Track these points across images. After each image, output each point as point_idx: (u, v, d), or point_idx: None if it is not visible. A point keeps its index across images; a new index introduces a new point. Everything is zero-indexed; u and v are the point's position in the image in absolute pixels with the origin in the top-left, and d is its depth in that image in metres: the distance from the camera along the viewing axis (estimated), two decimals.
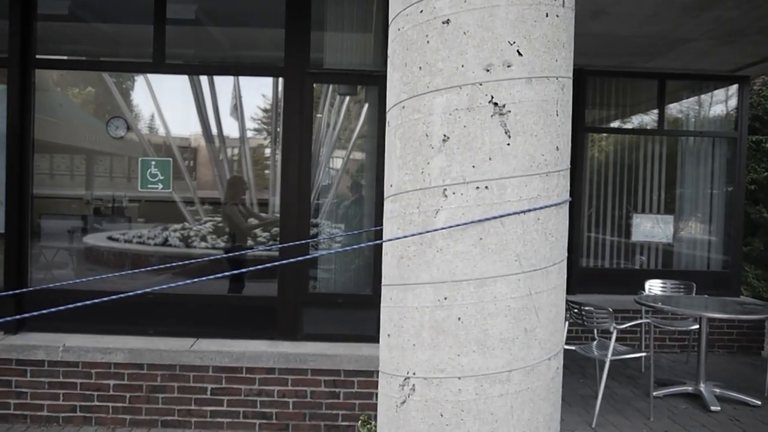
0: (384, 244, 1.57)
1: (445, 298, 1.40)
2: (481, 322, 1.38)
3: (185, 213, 8.47)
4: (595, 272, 6.63)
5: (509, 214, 1.41)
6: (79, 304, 1.26)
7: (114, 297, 1.42)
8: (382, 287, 1.59)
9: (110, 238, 8.38)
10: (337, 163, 7.61)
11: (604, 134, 7.29)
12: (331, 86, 6.06)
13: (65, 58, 5.10)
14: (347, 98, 7.02)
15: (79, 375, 3.95)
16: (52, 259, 5.90)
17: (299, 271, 4.17)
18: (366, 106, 6.52)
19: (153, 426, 3.99)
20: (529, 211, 1.44)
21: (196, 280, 1.36)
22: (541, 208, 1.46)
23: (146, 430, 3.96)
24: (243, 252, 6.05)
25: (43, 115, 4.48)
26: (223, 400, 3.98)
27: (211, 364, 3.95)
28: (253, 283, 4.73)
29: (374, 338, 4.19)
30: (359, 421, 2.97)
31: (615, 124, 7.21)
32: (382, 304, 1.59)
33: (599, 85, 6.86)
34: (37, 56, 4.29)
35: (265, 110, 11.20)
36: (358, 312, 4.24)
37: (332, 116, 7.24)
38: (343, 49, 4.80)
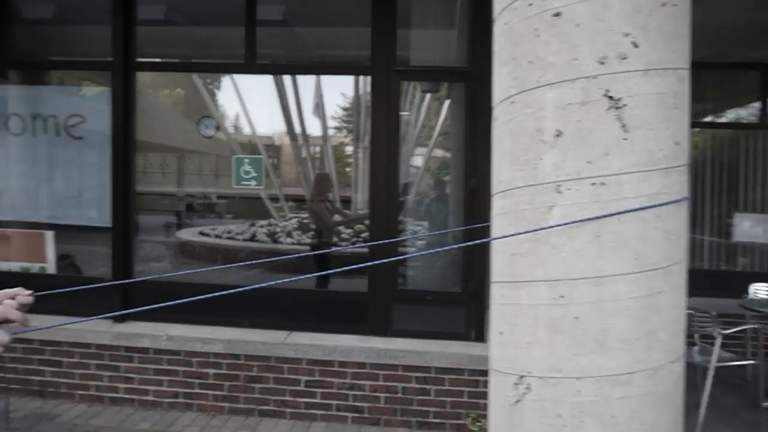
0: (494, 241, 1.56)
1: (561, 296, 1.38)
2: (599, 322, 1.35)
3: (271, 209, 8.73)
4: (693, 274, 6.32)
5: (628, 211, 1.37)
6: (201, 297, 1.32)
7: (233, 291, 1.47)
8: (492, 284, 1.58)
9: (201, 233, 8.75)
10: (418, 161, 7.62)
11: (697, 129, 6.93)
12: (411, 84, 6.07)
13: (163, 60, 5.32)
14: (428, 96, 7.01)
15: (181, 363, 4.15)
16: (149, 253, 6.22)
17: (389, 269, 4.20)
18: (447, 102, 6.50)
19: (250, 414, 4.14)
20: (649, 207, 1.38)
21: (302, 277, 1.39)
22: (660, 205, 1.40)
23: (244, 418, 4.11)
24: (337, 249, 6.16)
25: (138, 115, 4.72)
26: (317, 393, 4.08)
27: (305, 357, 4.05)
28: (342, 279, 4.80)
29: (463, 336, 4.19)
30: (469, 419, 2.96)
31: (708, 119, 6.83)
32: (492, 301, 1.58)
33: (692, 78, 6.50)
34: (138, 59, 4.50)
35: (345, 109, 11.37)
36: (446, 309, 4.23)
37: (413, 114, 7.25)
38: (428, 46, 4.79)
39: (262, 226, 8.21)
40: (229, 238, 8.35)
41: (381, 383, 4.05)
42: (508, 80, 1.52)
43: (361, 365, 4.04)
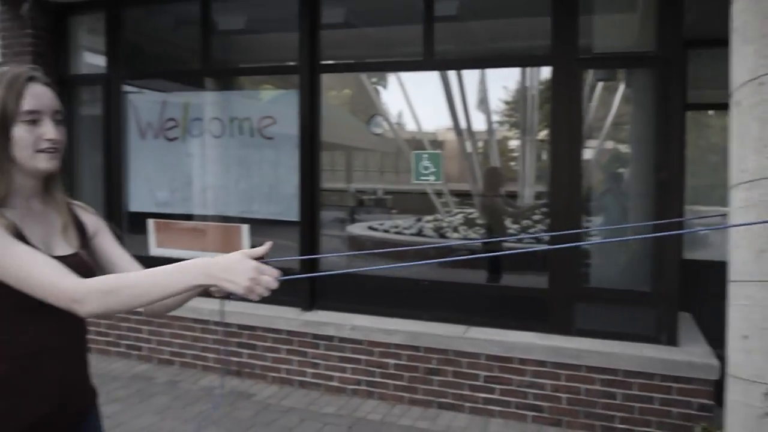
0: (736, 236, 1.43)
1: None
2: None
3: (437, 204, 8.81)
4: None
5: None
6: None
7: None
8: (731, 283, 1.45)
9: (370, 228, 9.07)
10: (587, 154, 7.27)
11: None
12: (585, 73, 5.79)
13: (345, 62, 5.53)
14: (600, 85, 6.65)
15: (363, 352, 4.33)
16: (326, 246, 6.56)
17: (571, 265, 4.06)
18: (620, 91, 6.12)
19: (429, 406, 4.21)
20: None
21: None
22: None
23: (423, 410, 4.19)
24: (518, 237, 6.08)
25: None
26: (495, 389, 4.05)
27: (484, 352, 4.04)
28: (521, 275, 4.73)
29: (653, 339, 3.92)
30: (699, 428, 2.78)
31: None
32: (731, 302, 1.45)
33: None
34: (322, 62, 4.74)
35: (508, 102, 11.17)
36: (634, 309, 4.00)
37: (584, 104, 6.92)
38: (610, 32, 4.54)
39: (428, 221, 8.32)
40: (396, 233, 8.56)
41: (562, 383, 3.92)
42: (754, 59, 1.37)
43: (542, 363, 3.94)
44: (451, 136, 9.66)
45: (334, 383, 4.43)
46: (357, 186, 10.91)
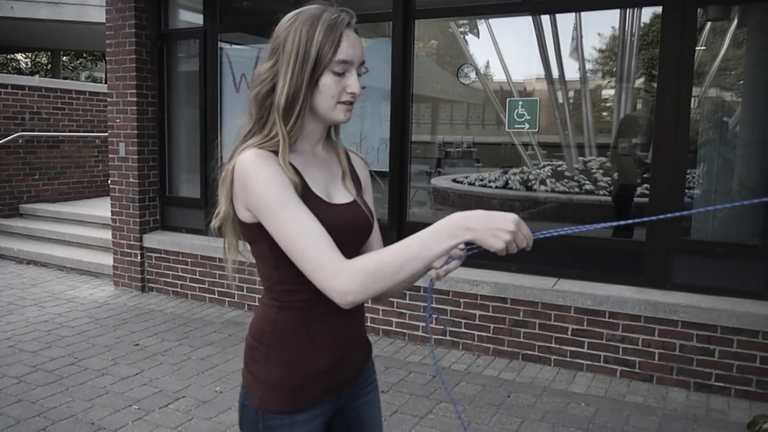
0: None
1: None
2: None
3: (525, 156, 8.60)
4: None
5: None
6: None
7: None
8: None
9: (455, 181, 9.00)
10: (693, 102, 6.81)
11: None
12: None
13: (442, 7, 5.31)
14: (708, 26, 6.18)
15: (449, 303, 4.36)
16: (412, 198, 6.58)
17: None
18: (731, 31, 5.66)
19: (514, 358, 4.21)
20: None
21: (603, 225, 1.29)
22: None
23: (508, 361, 4.20)
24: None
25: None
26: (584, 342, 3.98)
27: (573, 305, 3.97)
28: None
29: (759, 294, 3.71)
30: None
31: None
32: None
33: None
34: (417, 8, 4.64)
35: (602, 50, 10.60)
36: (737, 263, 3.79)
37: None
38: None
39: (514, 174, 8.15)
40: (482, 185, 8.45)
41: (656, 338, 3.80)
42: None
43: (635, 318, 3.83)
44: (541, 86, 9.34)
45: (419, 333, 4.50)
46: (443, 138, 10.80)
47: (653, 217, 1.25)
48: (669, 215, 1.24)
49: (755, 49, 4.31)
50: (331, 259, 1.17)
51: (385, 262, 1.14)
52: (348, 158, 1.47)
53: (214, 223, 1.36)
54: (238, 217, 1.29)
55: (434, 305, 4.43)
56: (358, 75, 1.32)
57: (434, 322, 1.18)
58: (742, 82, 4.67)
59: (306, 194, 1.28)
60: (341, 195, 1.38)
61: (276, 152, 1.26)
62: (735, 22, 5.24)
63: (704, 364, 3.70)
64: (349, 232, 1.33)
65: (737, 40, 5.02)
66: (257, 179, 1.21)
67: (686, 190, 4.13)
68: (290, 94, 1.26)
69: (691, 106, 5.32)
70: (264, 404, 1.34)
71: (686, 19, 3.81)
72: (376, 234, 1.46)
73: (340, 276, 1.16)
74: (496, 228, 1.10)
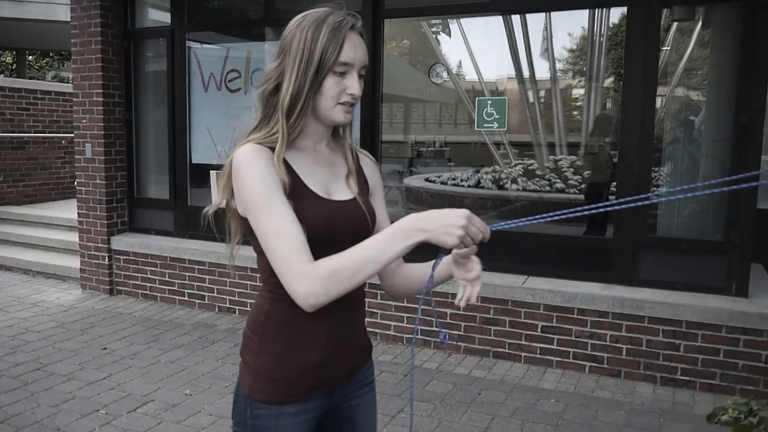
0: None
1: None
2: None
3: (496, 156, 8.66)
4: None
5: None
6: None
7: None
8: None
9: (427, 180, 9.03)
10: (658, 101, 6.93)
11: None
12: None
13: (411, 6, 5.28)
14: (674, 26, 6.29)
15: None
16: (385, 197, 6.59)
17: (636, 214, 3.93)
18: (697, 31, 5.76)
19: (485, 356, 4.23)
20: None
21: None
22: None
23: (478, 359, 4.22)
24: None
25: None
26: (553, 339, 4.02)
27: (543, 302, 4.00)
28: (583, 224, 4.62)
29: (722, 290, 3.79)
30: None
31: None
32: None
33: None
34: (386, 8, 4.62)
35: (572, 50, 10.72)
36: (702, 259, 3.86)
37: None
38: None
39: (486, 173, 8.20)
40: (454, 184, 8.50)
41: (623, 334, 3.85)
42: None
43: (603, 314, 3.88)
44: (512, 86, 9.41)
45: (391, 332, 4.50)
46: (415, 137, 10.82)
47: (597, 205, 1.28)
48: (601, 205, 1.26)
49: (718, 49, 4.40)
50: (299, 262, 1.21)
51: (345, 265, 1.18)
52: (357, 159, 1.50)
53: (208, 209, 1.42)
54: (237, 209, 1.33)
55: (407, 304, 4.44)
56: (360, 77, 1.35)
57: (447, 338, 1.18)
58: (706, 81, 4.77)
59: (299, 189, 1.31)
60: (342, 192, 1.40)
61: (274, 148, 1.30)
62: (700, 22, 5.35)
63: (670, 359, 3.76)
64: (344, 229, 1.35)
65: (703, 40, 5.12)
66: (247, 174, 1.26)
67: (654, 188, 4.20)
68: (294, 94, 1.30)
69: (658, 105, 5.42)
70: (253, 393, 1.37)
71: (651, 19, 3.87)
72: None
73: (303, 279, 1.20)
74: (448, 225, 1.14)
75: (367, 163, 1.53)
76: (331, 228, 1.31)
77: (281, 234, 1.22)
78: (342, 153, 1.46)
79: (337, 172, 1.42)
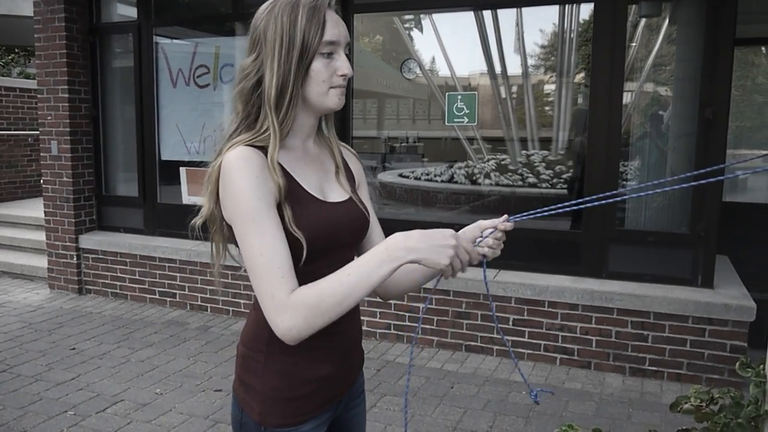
0: None
1: None
2: None
3: (469, 151, 8.70)
4: None
5: None
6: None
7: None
8: None
9: (401, 176, 9.03)
10: (627, 97, 7.02)
11: None
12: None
13: (381, 1, 5.25)
14: (642, 22, 6.37)
15: None
16: None
17: (605, 208, 3.98)
18: (664, 28, 5.85)
19: (457, 349, 4.26)
20: None
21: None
22: None
23: (451, 353, 4.24)
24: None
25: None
26: (525, 332, 4.06)
27: (514, 296, 4.04)
28: (552, 219, 4.65)
29: (689, 281, 3.86)
30: (739, 363, 2.76)
31: None
32: None
33: None
34: (356, 2, 4.60)
35: (543, 46, 10.80)
36: (669, 252, 3.93)
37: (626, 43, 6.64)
38: None
39: (459, 168, 8.23)
40: (427, 180, 8.51)
41: (593, 326, 3.91)
42: None
43: (573, 306, 3.92)
44: (484, 81, 9.46)
45: (365, 327, 4.49)
46: (388, 133, 10.81)
47: (605, 194, 1.26)
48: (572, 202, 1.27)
49: (683, 44, 4.47)
50: (282, 291, 1.12)
51: (327, 293, 1.10)
52: (341, 153, 1.41)
53: (196, 220, 1.28)
54: (224, 217, 1.22)
55: (377, 299, 4.44)
56: (345, 56, 1.25)
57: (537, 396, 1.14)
58: (673, 77, 4.84)
59: (296, 193, 1.22)
60: (336, 193, 1.32)
61: (266, 149, 1.19)
62: (667, 19, 5.43)
63: (638, 350, 3.83)
64: (345, 232, 1.29)
65: (670, 36, 5.20)
66: (237, 183, 1.15)
67: (623, 182, 4.26)
68: (279, 84, 1.20)
69: (625, 100, 5.50)
70: (265, 419, 1.26)
71: (617, 15, 3.92)
72: (375, 229, 1.42)
73: (285, 311, 1.11)
74: (438, 245, 1.09)
75: (350, 156, 1.45)
76: (332, 233, 1.23)
77: (268, 257, 1.12)
78: (328, 149, 1.37)
79: (327, 171, 1.34)
